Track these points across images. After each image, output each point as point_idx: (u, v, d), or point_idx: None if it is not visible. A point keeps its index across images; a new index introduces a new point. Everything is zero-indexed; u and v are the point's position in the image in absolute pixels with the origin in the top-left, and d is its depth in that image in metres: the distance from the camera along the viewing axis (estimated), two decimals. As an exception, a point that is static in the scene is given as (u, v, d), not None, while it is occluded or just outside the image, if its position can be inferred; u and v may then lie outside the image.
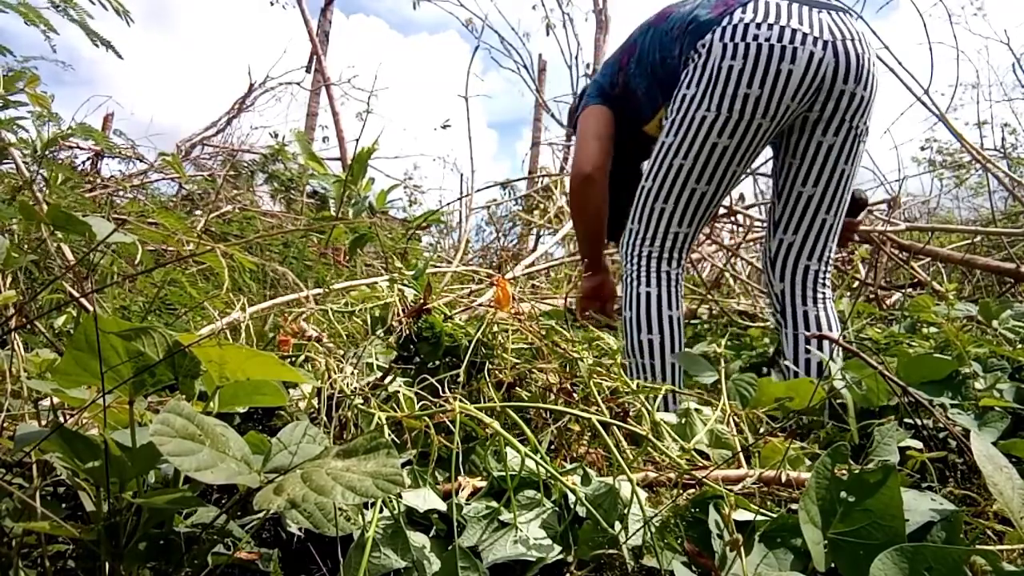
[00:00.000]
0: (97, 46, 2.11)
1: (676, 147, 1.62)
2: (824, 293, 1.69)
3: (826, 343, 1.62)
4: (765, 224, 1.87)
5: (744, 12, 1.54)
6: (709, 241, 4.03)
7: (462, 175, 5.55)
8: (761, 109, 1.53)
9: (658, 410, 1.18)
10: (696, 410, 1.22)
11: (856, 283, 3.51)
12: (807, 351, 1.62)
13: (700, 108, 1.57)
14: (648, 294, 1.65)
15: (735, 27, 1.53)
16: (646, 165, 1.80)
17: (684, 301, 3.43)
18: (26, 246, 1.37)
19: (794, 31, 1.50)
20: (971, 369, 1.48)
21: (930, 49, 3.44)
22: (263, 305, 1.67)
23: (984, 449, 0.78)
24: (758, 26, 1.51)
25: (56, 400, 0.92)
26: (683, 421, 1.20)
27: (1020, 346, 1.87)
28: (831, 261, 1.69)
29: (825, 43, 1.51)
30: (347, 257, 3.21)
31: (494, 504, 0.89)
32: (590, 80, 1.94)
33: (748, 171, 1.77)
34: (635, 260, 1.70)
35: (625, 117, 1.92)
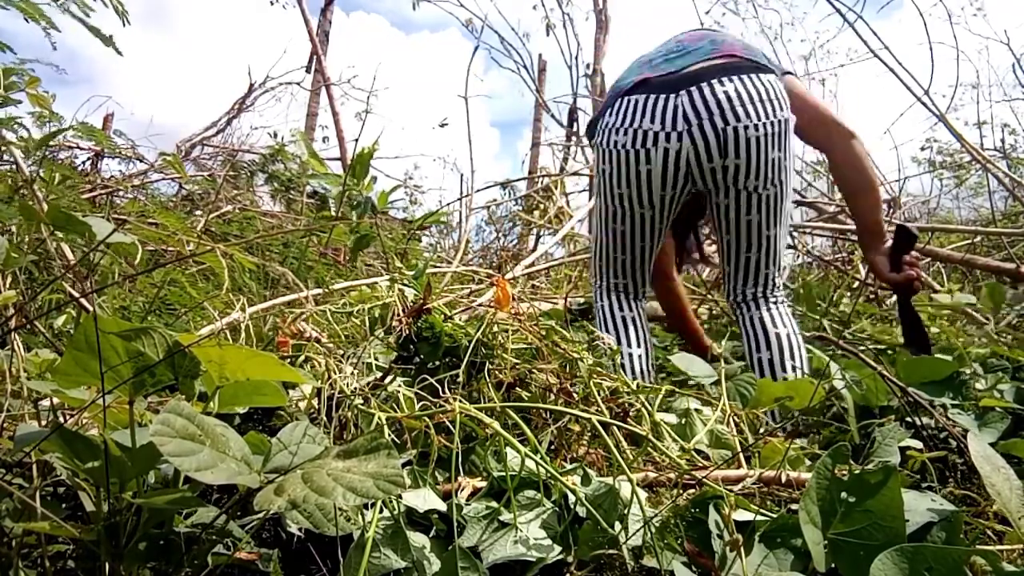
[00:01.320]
0: (102, 42, 2.10)
1: (599, 225, 1.90)
2: (767, 300, 1.82)
3: (783, 341, 1.74)
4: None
5: (610, 115, 1.73)
6: (709, 241, 4.03)
7: (462, 175, 5.55)
8: (636, 202, 1.75)
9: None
10: (696, 410, 1.22)
11: (856, 283, 3.51)
12: (759, 352, 1.75)
13: (600, 200, 1.84)
14: (601, 307, 1.94)
15: (603, 132, 1.74)
16: None
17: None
18: (26, 246, 1.37)
19: (646, 132, 1.64)
20: (971, 370, 1.48)
21: (931, 49, 3.45)
22: (263, 305, 1.67)
23: (982, 450, 0.78)
24: (616, 131, 1.69)
25: (56, 400, 0.92)
26: (683, 421, 1.20)
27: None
28: (774, 277, 1.83)
29: (680, 134, 1.63)
30: (348, 257, 3.21)
31: (494, 504, 0.89)
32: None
33: (662, 238, 1.92)
34: (595, 290, 2.00)
35: None
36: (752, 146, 1.64)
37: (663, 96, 1.64)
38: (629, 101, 1.68)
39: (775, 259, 1.82)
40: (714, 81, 1.63)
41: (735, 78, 1.64)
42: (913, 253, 1.83)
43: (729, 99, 1.62)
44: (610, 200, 1.79)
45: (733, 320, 1.95)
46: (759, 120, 1.63)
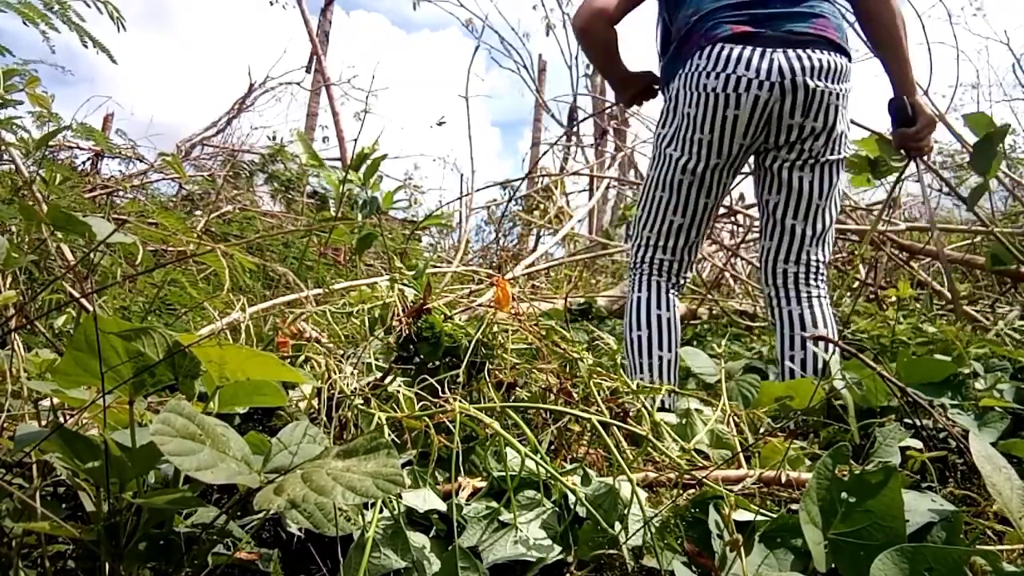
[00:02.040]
0: (97, 48, 2.11)
1: (656, 181, 1.81)
2: (809, 292, 1.76)
3: (820, 341, 1.67)
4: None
5: (699, 57, 1.70)
6: (709, 241, 4.04)
7: (462, 175, 5.55)
8: (715, 150, 1.72)
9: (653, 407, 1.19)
10: (696, 410, 1.22)
11: (856, 283, 3.51)
12: (792, 351, 1.69)
13: (670, 147, 1.77)
14: (639, 298, 1.82)
15: (690, 75, 1.71)
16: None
17: (684, 302, 3.44)
18: (26, 246, 1.37)
19: (739, 79, 1.65)
20: (971, 370, 1.48)
21: (928, 50, 3.45)
22: (262, 305, 1.67)
23: (983, 449, 0.78)
24: (707, 75, 1.68)
25: (56, 400, 0.92)
26: (683, 421, 1.20)
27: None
28: (817, 263, 1.78)
29: (772, 84, 1.65)
30: (349, 257, 3.21)
31: (494, 504, 0.89)
32: None
33: (719, 203, 1.88)
34: (633, 274, 1.89)
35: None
36: (832, 112, 1.71)
37: (759, 49, 1.66)
38: (724, 48, 1.67)
39: (821, 239, 1.78)
40: (811, 49, 1.69)
41: (827, 52, 1.70)
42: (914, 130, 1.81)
43: (823, 66, 1.68)
44: (685, 148, 1.74)
45: (766, 313, 1.87)
46: (841, 90, 1.71)
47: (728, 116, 1.68)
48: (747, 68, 1.65)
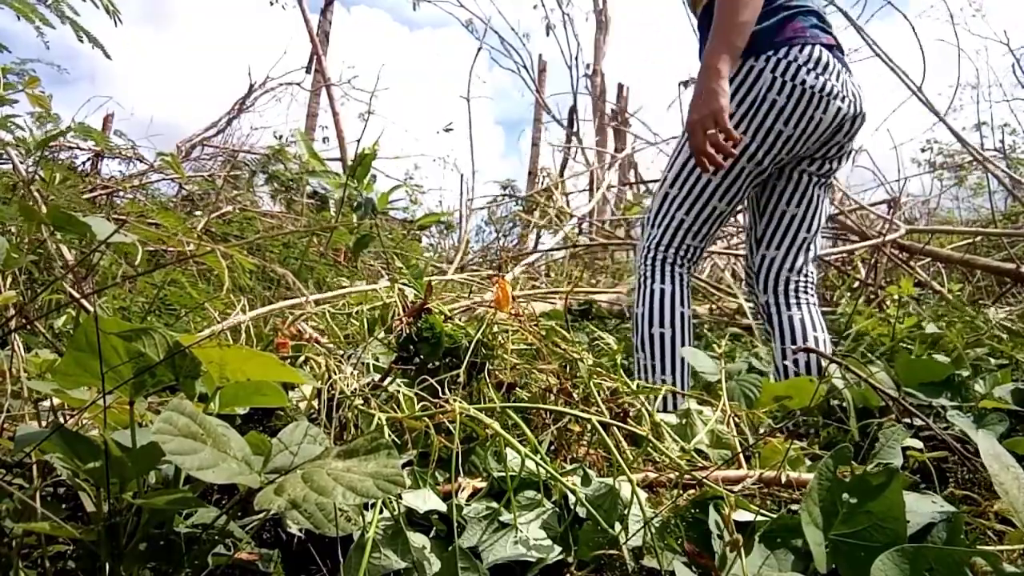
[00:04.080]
0: (92, 44, 2.11)
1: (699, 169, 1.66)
2: (806, 299, 1.80)
3: (819, 343, 1.72)
4: (745, 241, 1.99)
5: (800, 52, 1.64)
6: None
7: (462, 175, 5.55)
8: (788, 146, 1.67)
9: (659, 410, 1.19)
10: (696, 410, 1.22)
11: (856, 284, 3.51)
12: (795, 355, 1.71)
13: (739, 129, 1.64)
14: (662, 291, 1.70)
15: (788, 64, 1.63)
16: (666, 168, 1.80)
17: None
18: (26, 246, 1.37)
19: (832, 86, 1.65)
20: (970, 371, 1.48)
21: (921, 51, 3.45)
22: (264, 310, 1.67)
23: (990, 448, 0.78)
24: (808, 71, 1.62)
25: (56, 401, 0.91)
26: (683, 421, 1.20)
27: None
28: (811, 273, 1.83)
29: (849, 102, 1.69)
30: (349, 258, 3.21)
31: (494, 505, 0.89)
32: None
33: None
34: (650, 261, 1.76)
35: None
36: (857, 138, 1.77)
37: (840, 64, 1.69)
38: (824, 53, 1.65)
39: (816, 249, 1.84)
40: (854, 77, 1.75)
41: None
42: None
43: (862, 95, 1.75)
44: (761, 137, 1.64)
45: (761, 319, 1.84)
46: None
47: (815, 117, 1.64)
48: (836, 78, 1.66)
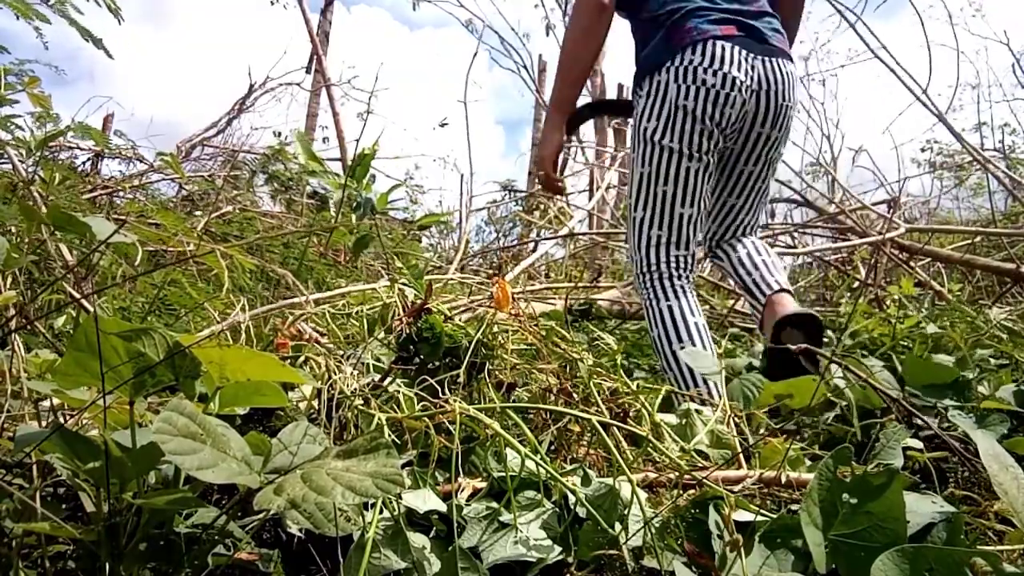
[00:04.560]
0: (93, 43, 2.11)
1: (655, 175, 1.76)
2: (746, 235, 1.94)
3: (760, 263, 1.84)
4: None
5: (694, 53, 1.70)
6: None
7: (462, 176, 5.55)
8: (713, 139, 1.74)
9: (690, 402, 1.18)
10: (696, 411, 1.22)
11: (856, 284, 3.52)
12: (753, 271, 1.83)
13: (665, 138, 1.74)
14: (671, 307, 1.73)
15: (684, 69, 1.70)
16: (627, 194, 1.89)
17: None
18: (26, 247, 1.37)
19: (733, 79, 1.69)
20: (974, 373, 1.48)
21: (928, 50, 3.45)
22: (263, 309, 1.67)
23: (990, 448, 0.78)
24: (705, 71, 1.69)
25: (56, 401, 0.91)
26: (683, 422, 1.20)
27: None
28: (754, 223, 1.96)
29: (753, 92, 1.73)
30: (349, 258, 3.21)
31: (494, 505, 0.89)
32: None
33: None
34: (649, 284, 1.80)
35: None
36: (789, 124, 1.83)
37: (745, 51, 1.71)
38: (717, 45, 1.69)
39: (751, 225, 1.96)
40: (782, 60, 1.77)
41: (789, 62, 1.80)
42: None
43: (790, 80, 1.78)
44: (684, 138, 1.72)
45: (713, 260, 2.00)
46: (796, 103, 1.83)
47: (726, 112, 1.70)
48: (738, 69, 1.69)
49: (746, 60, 1.71)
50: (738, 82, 1.69)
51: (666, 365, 1.71)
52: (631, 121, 1.83)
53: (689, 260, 1.80)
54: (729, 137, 1.76)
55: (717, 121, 1.71)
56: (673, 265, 1.77)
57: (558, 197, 4.97)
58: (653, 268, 1.78)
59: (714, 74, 1.68)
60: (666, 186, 1.75)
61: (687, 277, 1.79)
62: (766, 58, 1.73)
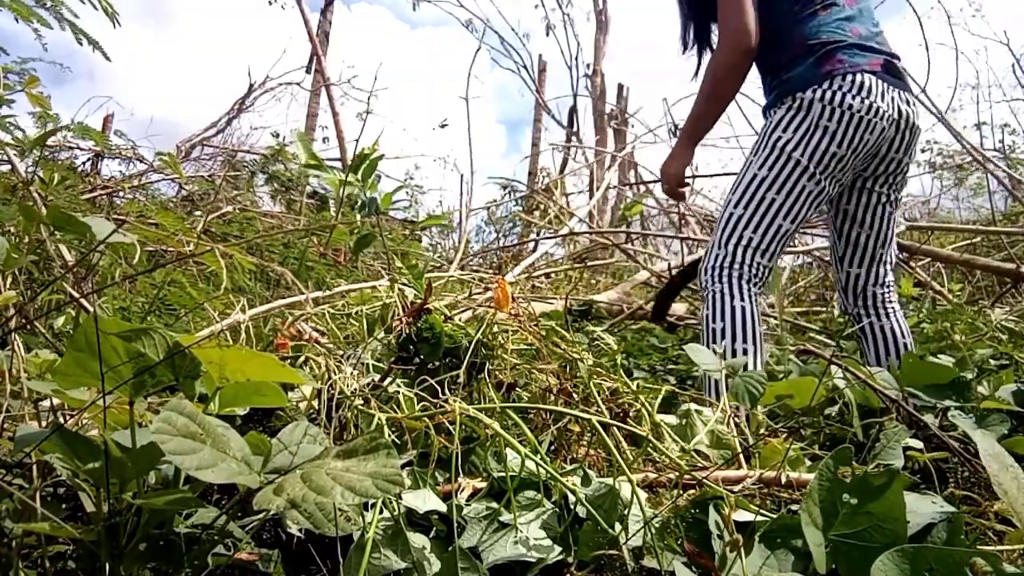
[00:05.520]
0: (91, 46, 2.11)
1: (771, 182, 1.80)
2: (892, 308, 2.01)
3: (907, 347, 1.97)
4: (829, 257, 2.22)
5: (843, 80, 1.79)
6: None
7: (462, 176, 5.54)
8: (842, 165, 1.80)
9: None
10: (696, 411, 1.22)
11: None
12: (888, 359, 1.93)
13: (796, 151, 1.79)
14: (743, 308, 1.76)
15: (835, 93, 1.78)
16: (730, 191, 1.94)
17: (684, 303, 3.44)
18: (26, 247, 1.37)
19: (877, 108, 1.79)
20: (975, 374, 1.48)
21: (927, 50, 3.45)
22: (262, 308, 1.67)
23: (990, 448, 0.78)
24: (853, 97, 1.77)
25: (56, 401, 0.91)
26: (683, 422, 1.20)
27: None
28: (891, 280, 2.04)
29: (893, 121, 1.82)
30: (349, 258, 3.21)
31: (494, 505, 0.89)
32: None
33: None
34: (724, 279, 1.81)
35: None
36: (915, 151, 1.94)
37: (884, 83, 1.81)
38: (864, 77, 1.79)
39: (893, 257, 2.03)
40: (910, 94, 1.88)
41: (913, 96, 1.90)
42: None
43: (916, 111, 1.89)
44: (817, 159, 1.78)
45: (852, 325, 2.06)
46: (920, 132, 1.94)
47: (864, 138, 1.78)
48: (881, 99, 1.78)
49: (887, 91, 1.81)
50: (881, 110, 1.78)
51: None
52: (764, 129, 1.87)
53: (765, 272, 1.83)
54: (862, 162, 1.84)
55: (854, 147, 1.78)
56: (754, 271, 1.80)
57: (558, 198, 4.97)
58: (736, 266, 1.79)
59: (861, 101, 1.77)
60: (777, 195, 1.79)
61: (759, 287, 1.82)
62: (900, 91, 1.84)
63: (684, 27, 2.13)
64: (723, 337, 1.73)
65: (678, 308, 3.31)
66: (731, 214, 1.83)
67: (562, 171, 6.97)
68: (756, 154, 1.85)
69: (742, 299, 1.75)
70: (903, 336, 1.96)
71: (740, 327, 1.72)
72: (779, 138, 1.81)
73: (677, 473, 0.98)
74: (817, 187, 1.79)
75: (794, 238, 1.97)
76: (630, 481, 0.88)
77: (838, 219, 2.00)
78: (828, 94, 1.77)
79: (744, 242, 1.79)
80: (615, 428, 1.06)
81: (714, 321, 1.75)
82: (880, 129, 1.80)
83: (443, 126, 5.76)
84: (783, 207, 1.79)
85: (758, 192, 1.80)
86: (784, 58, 1.87)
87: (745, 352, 1.71)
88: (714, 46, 2.03)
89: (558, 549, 0.84)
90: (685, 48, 2.14)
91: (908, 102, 1.86)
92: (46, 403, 0.97)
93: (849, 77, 1.78)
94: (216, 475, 0.64)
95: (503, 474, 0.93)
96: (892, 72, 1.85)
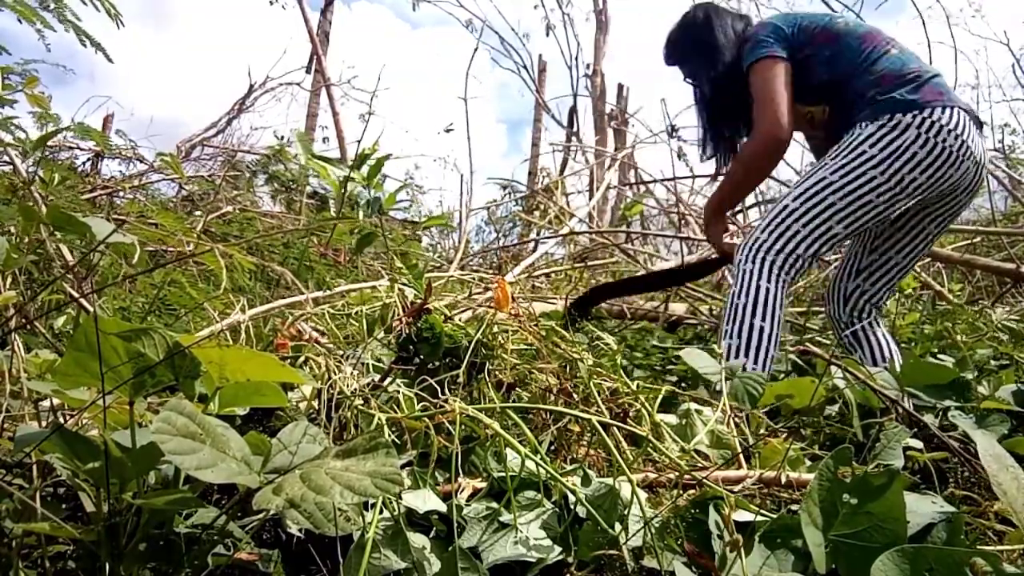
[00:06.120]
0: (93, 47, 2.11)
1: (837, 187, 1.81)
2: (878, 321, 2.09)
3: (895, 354, 2.03)
4: (838, 260, 2.27)
5: (943, 114, 1.80)
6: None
7: (462, 176, 5.53)
8: (917, 194, 1.82)
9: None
10: (696, 411, 1.22)
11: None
12: (883, 360, 1.99)
13: (875, 169, 1.79)
14: (768, 289, 1.78)
15: (932, 123, 1.79)
16: (794, 181, 2.00)
17: (683, 303, 3.44)
18: (26, 247, 1.37)
19: (968, 148, 1.81)
20: (975, 374, 1.48)
21: (928, 48, 3.45)
22: (262, 308, 1.67)
23: (989, 448, 0.78)
24: (948, 132, 1.79)
25: (56, 401, 0.91)
26: (683, 422, 1.20)
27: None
28: (883, 304, 2.12)
29: (976, 164, 1.85)
30: (349, 258, 3.21)
31: (494, 505, 0.89)
32: (761, 30, 1.98)
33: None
34: (758, 261, 1.82)
35: (795, 60, 1.97)
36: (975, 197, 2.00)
37: (976, 127, 1.86)
38: (963, 116, 1.82)
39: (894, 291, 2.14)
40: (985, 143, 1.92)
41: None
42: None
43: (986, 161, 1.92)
44: (895, 180, 1.78)
45: (837, 332, 2.12)
46: None
47: (946, 173, 1.80)
48: (972, 141, 1.82)
49: (977, 135, 1.85)
50: (970, 152, 1.81)
51: (735, 330, 1.78)
52: (849, 138, 1.85)
53: (803, 266, 1.83)
54: (936, 195, 1.85)
55: (937, 179, 1.79)
56: (791, 262, 1.81)
57: (558, 198, 4.97)
58: (775, 253, 1.81)
59: (955, 138, 1.79)
60: (840, 201, 1.79)
61: (791, 280, 1.84)
62: (981, 137, 1.89)
63: (703, 137, 2.21)
64: (743, 312, 1.77)
65: (678, 308, 3.31)
66: (786, 206, 1.83)
67: (562, 171, 6.97)
68: (834, 158, 1.83)
69: (768, 281, 1.77)
70: (889, 344, 2.05)
71: (762, 306, 1.76)
72: (863, 152, 1.80)
73: (677, 473, 0.98)
74: (884, 206, 1.80)
75: (842, 244, 1.98)
76: (630, 481, 0.88)
77: (880, 238, 2.03)
78: (928, 123, 1.77)
79: (790, 233, 1.80)
80: (615, 428, 1.06)
81: (738, 297, 1.80)
82: (964, 169, 1.82)
83: (448, 131, 5.74)
84: (841, 212, 1.80)
85: (821, 193, 1.81)
86: (871, 90, 1.87)
87: (762, 330, 1.74)
88: (739, 147, 2.16)
89: (558, 549, 0.84)
90: (704, 156, 2.21)
91: (986, 150, 1.89)
92: (46, 403, 0.97)
93: (948, 111, 1.79)
94: (216, 475, 0.64)
95: (503, 474, 0.93)
96: (975, 117, 1.88)
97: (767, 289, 1.77)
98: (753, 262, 1.81)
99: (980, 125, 1.90)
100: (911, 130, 1.77)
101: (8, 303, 1.07)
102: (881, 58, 1.88)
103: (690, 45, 2.13)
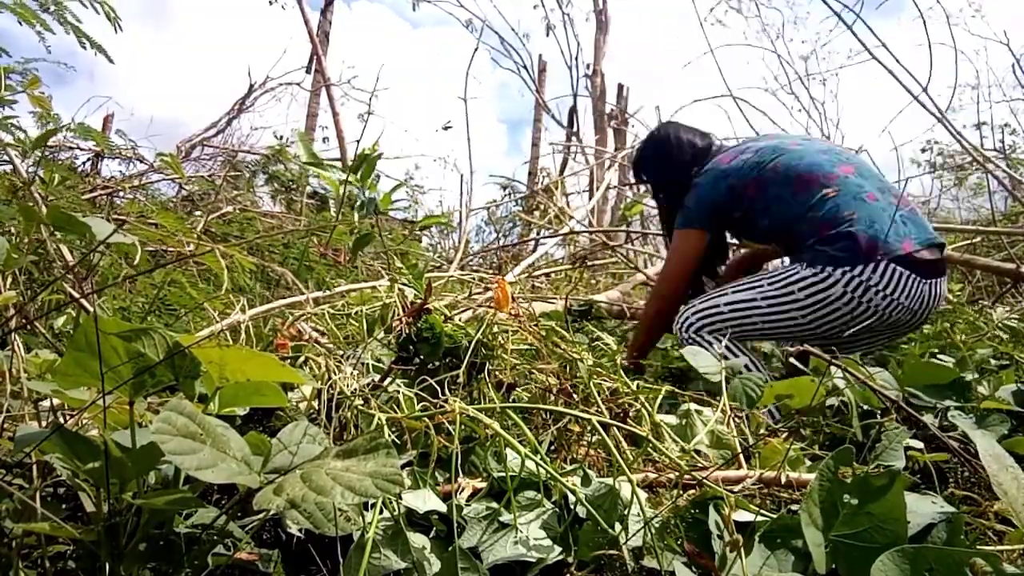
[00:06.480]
0: (86, 49, 2.11)
1: (763, 311, 1.93)
2: None
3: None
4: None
5: (873, 273, 1.80)
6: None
7: (462, 176, 5.53)
8: (833, 336, 1.87)
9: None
10: (696, 411, 1.22)
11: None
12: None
13: (798, 311, 1.89)
14: (713, 343, 1.87)
15: (860, 283, 1.81)
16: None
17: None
18: (26, 247, 1.37)
19: (898, 304, 1.81)
20: (975, 374, 1.48)
21: (929, 48, 3.45)
22: (262, 308, 1.67)
23: (990, 448, 0.78)
24: (876, 292, 1.80)
25: (56, 401, 0.91)
26: (683, 422, 1.20)
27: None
28: None
29: (913, 312, 1.85)
30: (349, 258, 3.21)
31: (494, 505, 0.89)
32: (696, 191, 2.10)
33: None
34: (692, 331, 2.00)
35: (732, 219, 2.11)
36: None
37: (918, 279, 1.82)
38: (896, 269, 1.80)
39: None
40: (942, 279, 1.90)
41: (944, 280, 1.92)
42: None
43: (940, 297, 1.91)
44: (816, 324, 1.88)
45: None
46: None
47: (866, 321, 1.83)
48: (907, 297, 1.81)
49: (918, 287, 1.82)
50: (901, 307, 1.82)
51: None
52: (787, 271, 1.92)
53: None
54: (860, 331, 1.87)
55: (860, 328, 1.82)
56: (719, 332, 1.96)
57: (558, 198, 4.97)
58: (702, 329, 1.98)
59: (883, 297, 1.80)
60: (761, 322, 1.92)
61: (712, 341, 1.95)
62: (934, 280, 1.86)
63: (665, 240, 2.36)
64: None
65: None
66: (716, 304, 1.98)
67: (562, 171, 6.97)
68: (769, 283, 1.93)
69: (711, 341, 1.90)
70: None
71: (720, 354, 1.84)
72: (791, 292, 1.89)
73: (677, 473, 0.98)
74: (800, 337, 1.89)
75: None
76: (630, 481, 0.88)
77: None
78: (855, 282, 1.80)
79: (718, 328, 1.96)
80: (615, 428, 1.06)
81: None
82: (895, 319, 1.84)
83: (447, 128, 5.74)
84: (760, 330, 1.94)
85: (748, 310, 1.95)
86: (809, 239, 1.90)
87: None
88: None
89: (558, 549, 0.84)
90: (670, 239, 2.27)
91: (938, 291, 1.87)
92: (46, 403, 0.97)
93: (881, 267, 1.79)
94: (216, 475, 0.64)
95: (503, 474, 0.93)
96: (936, 261, 1.86)
97: (714, 344, 1.83)
98: (686, 331, 2.00)
99: (934, 263, 1.85)
100: (838, 287, 1.82)
101: (8, 303, 1.07)
102: (817, 203, 1.90)
103: (651, 158, 2.29)
